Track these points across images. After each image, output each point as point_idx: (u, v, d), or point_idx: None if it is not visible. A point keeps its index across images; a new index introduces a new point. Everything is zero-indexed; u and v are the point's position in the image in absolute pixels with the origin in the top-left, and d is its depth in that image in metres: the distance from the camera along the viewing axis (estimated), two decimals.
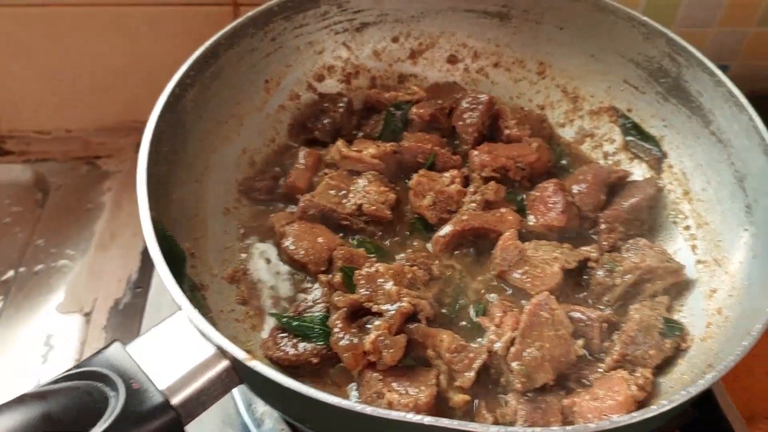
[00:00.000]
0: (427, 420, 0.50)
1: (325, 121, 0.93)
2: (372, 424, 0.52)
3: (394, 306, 0.71)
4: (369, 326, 0.71)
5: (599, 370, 0.73)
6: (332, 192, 0.85)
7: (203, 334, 0.55)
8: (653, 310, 0.76)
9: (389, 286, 0.73)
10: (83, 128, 1.20)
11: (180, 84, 0.75)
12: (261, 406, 0.81)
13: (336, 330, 0.70)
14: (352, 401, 0.52)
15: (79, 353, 0.92)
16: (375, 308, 0.71)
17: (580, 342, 0.72)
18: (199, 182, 0.81)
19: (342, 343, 0.70)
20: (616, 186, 0.88)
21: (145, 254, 1.03)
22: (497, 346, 0.70)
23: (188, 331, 0.56)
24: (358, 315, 0.73)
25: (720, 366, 0.58)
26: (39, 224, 1.08)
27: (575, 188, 0.87)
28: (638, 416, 0.52)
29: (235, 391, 0.82)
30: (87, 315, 0.97)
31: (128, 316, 0.97)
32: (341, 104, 0.93)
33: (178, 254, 0.70)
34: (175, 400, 0.52)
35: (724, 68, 0.78)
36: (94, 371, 0.52)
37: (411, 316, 0.73)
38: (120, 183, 1.14)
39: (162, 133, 0.72)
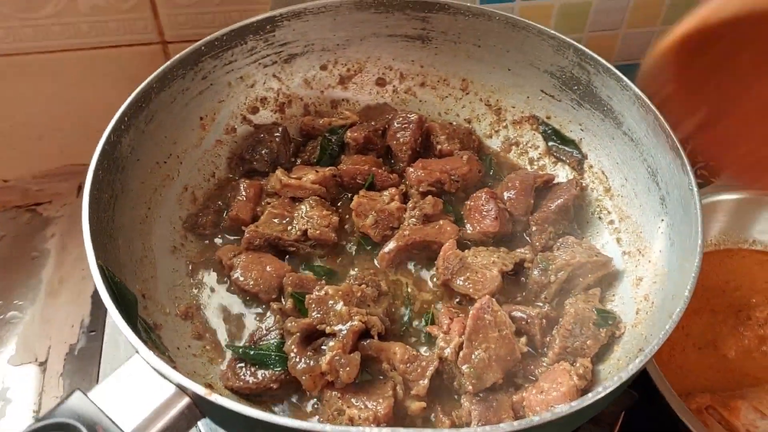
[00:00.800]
0: (386, 431, 0.54)
1: (263, 152, 0.95)
2: None
3: (346, 325, 0.74)
4: (324, 348, 0.74)
5: (543, 364, 0.78)
6: (276, 220, 0.87)
7: (162, 374, 0.57)
8: (587, 303, 0.81)
9: (340, 306, 0.76)
10: (20, 177, 1.18)
11: (115, 130, 0.76)
12: None
13: (292, 355, 0.73)
14: (313, 422, 0.55)
15: (38, 404, 0.92)
16: (328, 329, 0.74)
17: (523, 339, 0.77)
18: (144, 224, 0.83)
19: (299, 366, 0.72)
20: (542, 189, 0.94)
21: (96, 297, 1.01)
22: (447, 352, 0.74)
23: (147, 372, 0.58)
24: (313, 338, 0.76)
25: (647, 349, 0.63)
26: None
27: (506, 195, 0.92)
28: (577, 405, 0.56)
29: (201, 425, 0.84)
30: (42, 364, 0.97)
31: (85, 361, 0.97)
32: (277, 134, 0.96)
33: (130, 298, 0.71)
34: None
35: (635, 66, 0.83)
36: (58, 422, 0.53)
37: (363, 333, 0.76)
38: (63, 228, 1.13)
39: (102, 181, 0.73)
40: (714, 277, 1.03)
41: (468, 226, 0.90)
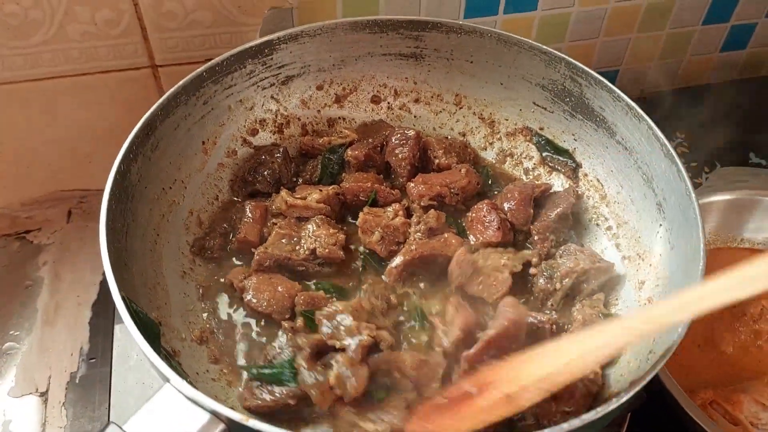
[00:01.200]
0: None
1: (265, 173, 0.96)
2: None
3: (355, 340, 0.75)
4: (333, 362, 0.75)
5: None
6: (284, 241, 0.88)
7: (195, 402, 0.58)
8: (593, 308, 0.84)
9: (349, 321, 0.77)
10: (8, 204, 1.17)
11: (125, 160, 0.77)
12: None
13: (302, 369, 0.74)
14: None
15: None
16: (338, 344, 0.75)
17: None
18: (153, 251, 0.83)
19: (308, 381, 0.74)
20: (540, 198, 0.97)
21: (94, 323, 1.02)
22: (445, 342, 0.76)
23: (179, 400, 0.58)
24: (324, 353, 0.77)
25: (661, 351, 0.65)
26: None
27: (506, 205, 0.94)
28: (602, 411, 0.58)
29: None
30: (43, 394, 0.95)
31: (86, 389, 0.96)
32: (278, 154, 0.97)
33: (152, 326, 0.72)
34: None
35: (614, 73, 0.87)
36: None
37: (373, 347, 0.77)
38: (55, 255, 1.12)
39: (115, 210, 0.73)
40: (707, 275, 1.07)
41: (471, 237, 0.92)
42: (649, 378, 0.62)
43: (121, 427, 0.56)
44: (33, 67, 1.01)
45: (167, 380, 0.59)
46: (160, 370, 0.59)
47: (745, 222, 1.08)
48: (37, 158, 1.13)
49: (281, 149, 0.98)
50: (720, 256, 1.09)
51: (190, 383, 0.68)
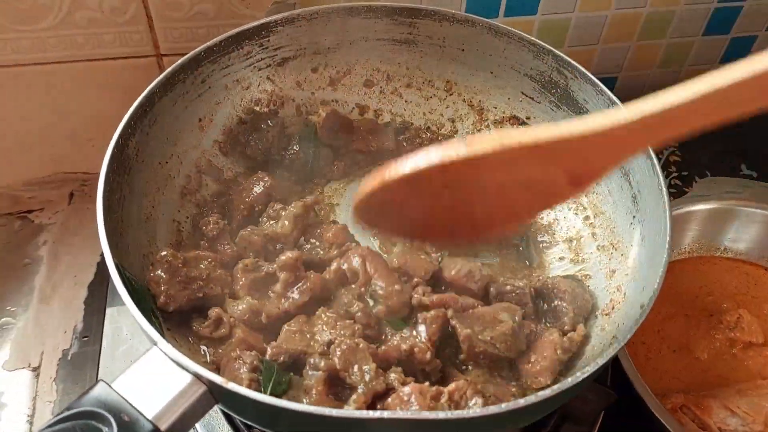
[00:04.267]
0: (387, 414, 0.59)
1: (258, 140, 0.99)
2: (342, 426, 0.61)
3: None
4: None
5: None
6: (297, 336, 0.79)
7: (179, 364, 0.62)
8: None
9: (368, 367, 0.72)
10: (11, 184, 1.20)
11: (123, 134, 0.80)
12: None
13: (314, 392, 0.71)
14: (322, 407, 0.60)
15: (32, 408, 0.95)
16: (349, 380, 0.72)
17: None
18: (149, 222, 0.87)
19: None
20: None
21: (89, 303, 1.06)
22: (418, 341, 0.76)
23: (165, 363, 0.62)
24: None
25: (621, 337, 0.69)
26: None
27: None
28: (557, 389, 0.62)
29: (199, 427, 0.88)
30: (35, 369, 0.99)
31: (78, 366, 0.99)
32: (274, 124, 1.00)
33: (143, 293, 0.76)
34: (164, 426, 0.59)
35: (612, 80, 0.89)
36: (85, 411, 0.58)
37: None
38: (55, 235, 1.15)
39: (112, 182, 0.77)
40: (687, 283, 1.10)
41: None
42: (612, 354, 0.65)
43: (109, 385, 0.60)
44: (39, 51, 1.04)
45: (155, 343, 0.63)
46: (147, 333, 0.63)
47: (726, 231, 1.12)
48: (41, 140, 1.16)
49: (279, 121, 1.02)
50: (702, 265, 1.13)
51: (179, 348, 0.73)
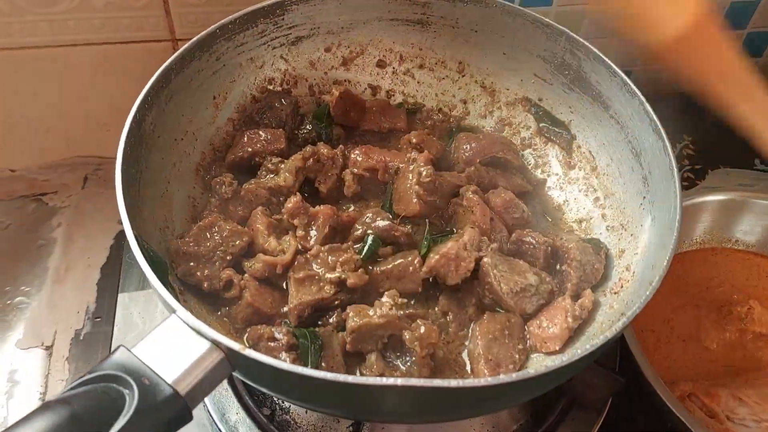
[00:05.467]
0: (400, 381, 0.60)
1: (272, 118, 1.00)
2: (357, 392, 0.62)
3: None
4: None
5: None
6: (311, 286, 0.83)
7: (197, 331, 0.63)
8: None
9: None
10: (27, 167, 1.22)
11: (140, 109, 0.81)
12: (233, 416, 0.90)
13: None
14: (337, 374, 0.61)
15: (44, 386, 0.97)
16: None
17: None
18: (164, 197, 0.88)
19: None
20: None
21: (102, 284, 1.08)
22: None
23: (183, 330, 0.64)
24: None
25: (629, 312, 0.70)
26: None
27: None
28: (563, 362, 0.63)
29: (209, 403, 0.91)
30: (48, 348, 1.01)
31: (90, 346, 1.01)
32: (287, 103, 1.01)
33: (162, 264, 0.77)
34: (183, 391, 0.60)
35: (627, 74, 0.91)
36: (107, 374, 0.59)
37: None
38: (69, 217, 1.17)
39: (129, 156, 0.78)
40: (698, 273, 1.11)
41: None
42: (621, 328, 0.66)
43: (130, 350, 0.61)
44: (57, 34, 1.06)
45: (173, 311, 0.64)
46: (167, 302, 0.65)
47: (738, 223, 1.12)
48: (56, 124, 1.18)
49: (293, 100, 1.02)
50: (713, 256, 1.13)
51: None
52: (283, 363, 0.61)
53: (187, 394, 0.60)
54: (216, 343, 0.63)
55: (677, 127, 0.84)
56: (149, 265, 0.67)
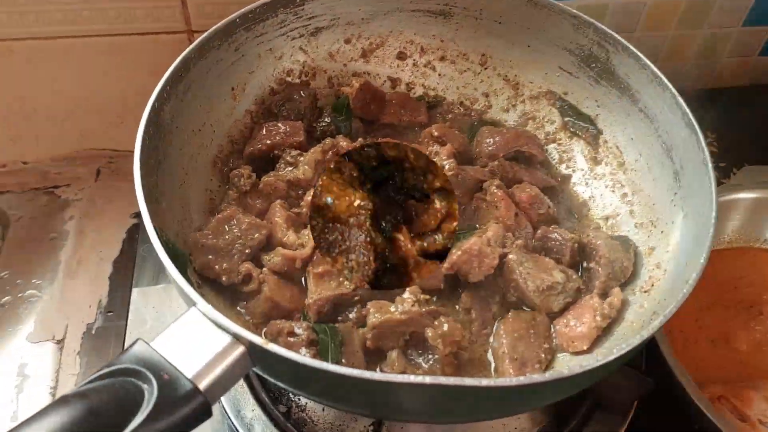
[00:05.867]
0: (429, 380, 0.58)
1: (291, 111, 0.99)
2: (380, 389, 0.60)
3: None
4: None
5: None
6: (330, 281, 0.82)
7: (218, 325, 0.61)
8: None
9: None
10: (40, 159, 1.20)
11: (158, 98, 0.79)
12: (249, 412, 0.88)
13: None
14: (360, 370, 0.59)
15: (55, 380, 0.95)
16: None
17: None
18: (182, 188, 0.86)
19: None
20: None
21: (114, 278, 1.07)
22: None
23: (203, 323, 0.62)
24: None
25: (665, 311, 0.67)
26: (1, 257, 1.08)
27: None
28: (598, 362, 0.61)
29: (224, 400, 0.89)
30: (59, 342, 0.99)
31: (101, 340, 0.99)
32: (308, 97, 1.00)
33: (181, 256, 0.75)
34: (202, 386, 0.58)
35: None
36: (125, 368, 0.57)
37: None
38: (82, 210, 1.15)
39: (148, 146, 0.76)
40: (727, 273, 1.08)
41: None
42: (657, 327, 0.64)
43: (149, 344, 0.59)
44: (72, 24, 1.04)
45: (194, 304, 0.62)
46: (187, 294, 0.62)
47: None
48: (70, 116, 1.16)
49: (311, 92, 1.01)
50: (742, 255, 1.10)
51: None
52: (310, 359, 0.59)
53: (207, 390, 0.58)
54: (237, 337, 0.61)
55: (700, 124, 0.82)
56: (169, 257, 0.65)
